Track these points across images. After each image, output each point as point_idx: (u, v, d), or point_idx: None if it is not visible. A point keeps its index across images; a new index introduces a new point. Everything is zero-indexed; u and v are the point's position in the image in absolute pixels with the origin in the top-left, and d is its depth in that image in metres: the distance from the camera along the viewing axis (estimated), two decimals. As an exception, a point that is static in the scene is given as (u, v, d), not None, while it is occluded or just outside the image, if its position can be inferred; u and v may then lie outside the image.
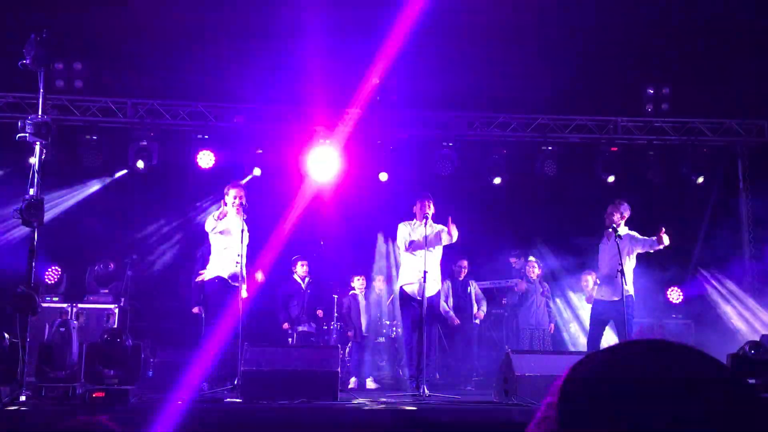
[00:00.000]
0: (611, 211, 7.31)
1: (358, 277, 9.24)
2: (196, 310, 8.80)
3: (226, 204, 6.93)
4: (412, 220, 7.43)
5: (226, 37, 9.57)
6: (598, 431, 0.71)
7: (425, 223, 7.14)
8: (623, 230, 7.20)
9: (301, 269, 9.20)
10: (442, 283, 7.78)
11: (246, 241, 7.00)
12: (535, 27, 9.86)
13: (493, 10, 9.25)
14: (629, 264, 7.20)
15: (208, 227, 7.03)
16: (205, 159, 10.19)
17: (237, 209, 6.91)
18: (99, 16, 9.03)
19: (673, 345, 0.79)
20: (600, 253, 7.55)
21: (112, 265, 9.35)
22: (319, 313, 9.26)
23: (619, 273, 6.91)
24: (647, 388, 0.72)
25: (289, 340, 8.91)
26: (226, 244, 6.98)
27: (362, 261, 9.98)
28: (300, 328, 8.92)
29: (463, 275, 9.25)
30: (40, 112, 6.02)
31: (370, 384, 8.68)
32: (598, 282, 7.72)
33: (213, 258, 7.12)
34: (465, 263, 9.24)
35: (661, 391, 0.72)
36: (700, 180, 10.79)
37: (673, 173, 10.91)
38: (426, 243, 7.07)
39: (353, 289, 9.23)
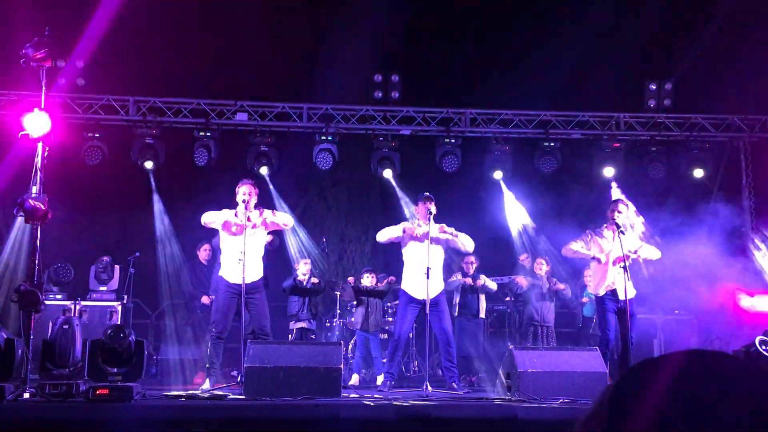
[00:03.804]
0: (620, 209, 7.26)
1: (368, 275, 9.11)
2: (205, 299, 8.84)
3: (238, 204, 6.88)
4: (415, 220, 7.48)
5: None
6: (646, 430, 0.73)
7: (428, 224, 7.15)
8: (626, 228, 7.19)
9: (304, 267, 9.19)
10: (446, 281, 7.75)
11: (260, 238, 6.99)
12: (535, 22, 9.84)
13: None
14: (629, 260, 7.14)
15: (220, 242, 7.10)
16: (205, 156, 10.19)
17: (246, 207, 6.87)
18: (100, 13, 9.02)
19: (728, 356, 0.80)
20: (598, 250, 7.36)
21: (106, 259, 9.31)
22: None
23: (623, 269, 6.90)
24: (697, 396, 0.74)
25: (289, 336, 8.91)
26: (231, 242, 6.94)
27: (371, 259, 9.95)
28: (299, 325, 8.92)
29: (472, 270, 9.22)
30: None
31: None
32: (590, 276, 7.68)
33: (221, 257, 7.14)
34: (472, 258, 9.17)
35: (710, 399, 0.73)
36: (702, 174, 10.75)
37: (675, 169, 10.87)
38: (429, 243, 7.08)
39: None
